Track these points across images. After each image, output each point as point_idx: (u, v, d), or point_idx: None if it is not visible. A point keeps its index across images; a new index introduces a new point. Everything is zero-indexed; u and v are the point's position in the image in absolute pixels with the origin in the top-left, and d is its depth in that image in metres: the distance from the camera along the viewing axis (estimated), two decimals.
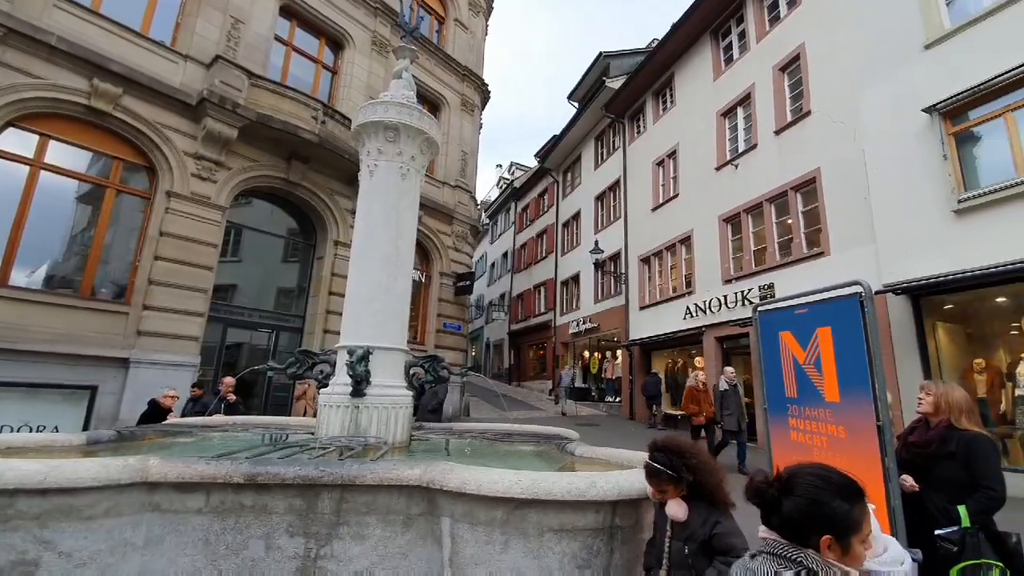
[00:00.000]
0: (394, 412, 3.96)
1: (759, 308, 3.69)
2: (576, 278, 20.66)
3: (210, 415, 5.90)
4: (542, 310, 23.95)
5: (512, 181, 31.24)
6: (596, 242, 17.04)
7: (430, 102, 14.75)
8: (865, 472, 2.61)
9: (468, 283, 14.15)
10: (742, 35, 13.01)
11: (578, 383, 19.43)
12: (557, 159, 23.49)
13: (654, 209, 15.59)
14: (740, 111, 12.71)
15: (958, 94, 7.63)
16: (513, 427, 5.94)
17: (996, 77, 7.20)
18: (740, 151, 12.37)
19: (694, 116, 14.18)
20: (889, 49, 8.85)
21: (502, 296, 29.52)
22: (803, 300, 3.22)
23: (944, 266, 7.44)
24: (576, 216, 21.57)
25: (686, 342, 13.76)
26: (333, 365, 4.29)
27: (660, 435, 2.21)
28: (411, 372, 4.46)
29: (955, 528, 2.49)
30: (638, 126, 17.51)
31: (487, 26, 17.47)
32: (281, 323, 11.13)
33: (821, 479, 1.17)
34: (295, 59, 11.73)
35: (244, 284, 10.94)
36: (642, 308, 15.57)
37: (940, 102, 7.83)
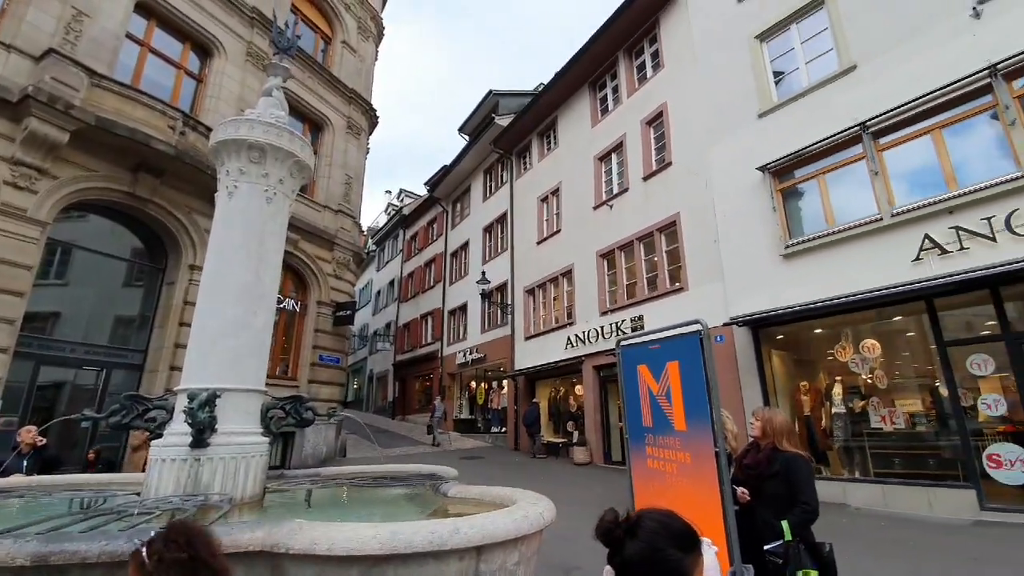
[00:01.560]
0: (244, 463, 3.51)
1: (621, 343, 3.92)
2: (464, 308, 20.69)
3: (6, 474, 4.78)
4: (429, 340, 23.54)
5: (401, 208, 30.79)
6: (483, 273, 17.28)
7: (313, 122, 14.11)
8: (706, 495, 2.85)
9: (349, 312, 13.45)
10: (616, 89, 14.36)
11: (464, 415, 19.23)
12: (447, 189, 23.67)
13: (539, 242, 16.27)
14: (614, 157, 13.91)
15: (783, 157, 9.09)
16: (387, 468, 5.65)
17: (810, 145, 8.71)
18: (614, 193, 13.47)
19: (575, 158, 15.22)
20: (732, 114, 10.32)
21: (388, 325, 28.55)
22: (656, 336, 3.49)
23: (775, 302, 8.66)
24: (465, 246, 21.77)
25: (568, 371, 14.33)
26: (171, 412, 3.73)
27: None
28: (269, 415, 4.02)
29: (780, 542, 2.79)
30: (525, 163, 18.34)
31: (377, 51, 17.32)
32: (115, 359, 9.50)
33: (663, 526, 1.20)
34: (153, 63, 10.51)
35: (70, 312, 9.23)
36: (527, 338, 15.98)
37: (770, 163, 9.25)
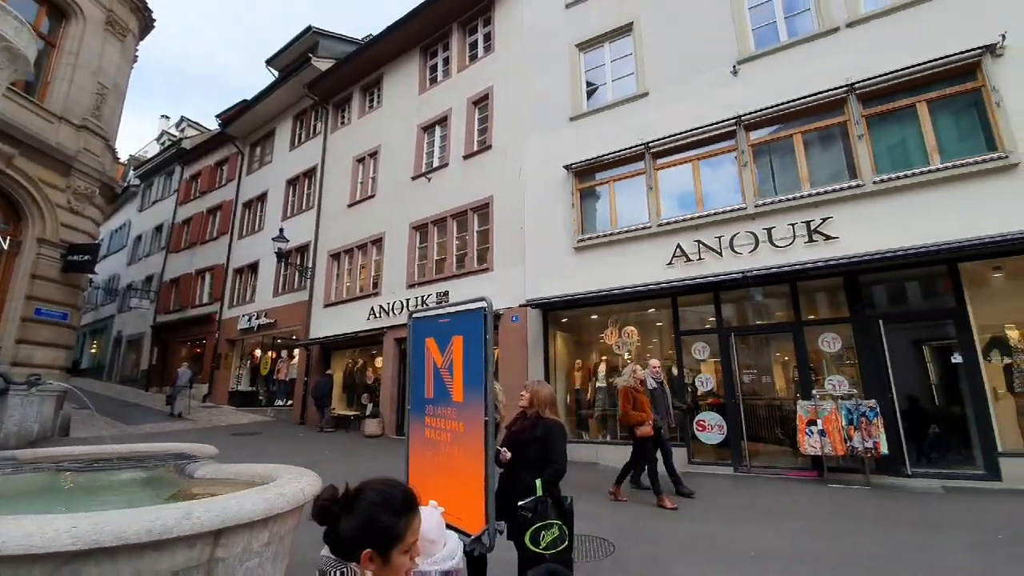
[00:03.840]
0: None
1: (414, 315, 3.81)
2: (254, 267, 18.31)
3: None
4: (205, 300, 20.24)
5: (181, 140, 25.61)
6: (282, 230, 15.46)
7: (54, 6, 10.63)
8: (474, 460, 2.94)
9: (88, 258, 10.61)
10: (447, 61, 14.10)
11: (244, 386, 17.16)
12: (245, 128, 20.46)
13: (351, 205, 15.23)
14: (438, 129, 13.70)
15: (585, 160, 10.05)
16: (123, 448, 4.72)
17: (607, 154, 9.80)
18: (434, 166, 13.30)
19: (398, 122, 14.55)
20: (549, 111, 11.01)
21: (149, 279, 23.69)
22: (446, 311, 3.47)
23: (564, 288, 9.61)
24: (262, 197, 19.20)
25: (368, 342, 13.81)
26: None
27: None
28: None
29: (532, 498, 3.05)
30: (343, 116, 16.89)
31: None
32: None
33: (382, 496, 1.20)
34: None
35: None
36: (327, 306, 14.90)
37: (574, 163, 10.15)
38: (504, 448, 3.37)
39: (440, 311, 3.64)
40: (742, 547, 4.53)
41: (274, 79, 18.65)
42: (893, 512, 5.39)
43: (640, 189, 9.51)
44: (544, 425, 3.24)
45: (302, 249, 16.43)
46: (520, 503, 3.04)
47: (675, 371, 8.69)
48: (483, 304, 3.09)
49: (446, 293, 11.83)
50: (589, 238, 9.79)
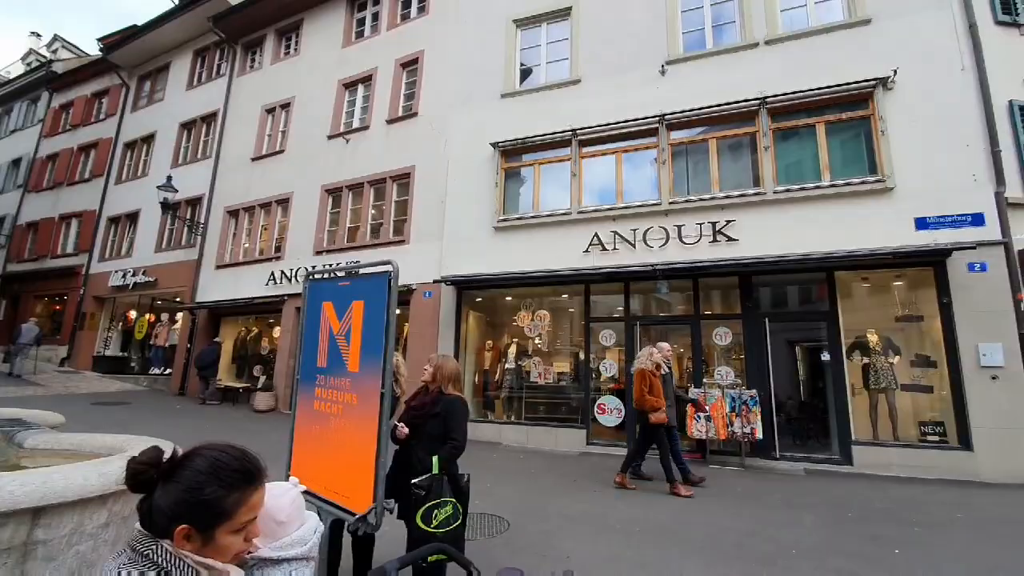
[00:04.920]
0: None
1: (311, 275, 3.45)
2: (134, 217, 16.17)
3: None
4: (70, 250, 17.58)
5: (51, 62, 21.84)
6: (170, 178, 13.73)
7: None
8: (366, 434, 2.70)
9: None
10: (376, 16, 13.18)
11: (113, 351, 15.23)
12: (133, 57, 17.86)
13: (256, 159, 13.87)
14: (361, 89, 12.82)
15: (512, 140, 9.88)
16: None
17: (535, 136, 9.69)
18: (354, 127, 12.45)
19: (317, 75, 13.41)
20: (480, 85, 10.67)
21: (0, 220, 20.16)
22: (347, 273, 3.17)
23: (481, 268, 9.45)
24: (149, 139, 16.98)
25: (266, 310, 12.76)
26: None
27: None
28: None
29: (427, 476, 2.89)
30: (254, 60, 15.27)
31: None
32: None
33: (213, 463, 1.01)
34: None
35: None
36: (220, 267, 13.53)
37: (501, 141, 9.95)
38: (401, 424, 3.17)
39: (341, 273, 3.33)
40: (628, 523, 4.71)
41: (173, 6, 16.38)
42: (762, 491, 5.91)
43: (564, 175, 9.54)
44: (446, 401, 3.08)
45: (194, 202, 14.76)
46: (414, 481, 2.87)
47: (582, 356, 8.91)
48: (389, 268, 2.84)
49: (357, 262, 11.15)
50: (510, 219, 9.69)
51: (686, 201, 8.42)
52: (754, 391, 7.18)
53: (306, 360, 3.28)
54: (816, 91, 7.84)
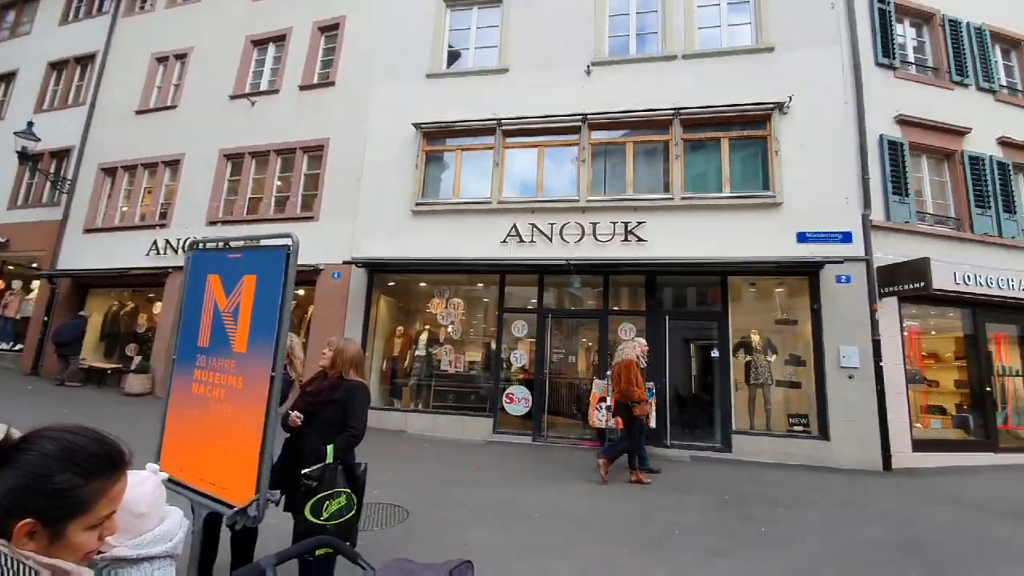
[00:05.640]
0: None
1: (195, 245, 3.08)
2: None
3: None
4: None
5: None
6: (31, 124, 11.76)
7: None
8: (251, 420, 2.46)
9: None
10: None
11: None
12: None
13: (141, 112, 12.29)
14: (272, 48, 11.78)
15: (436, 123, 9.60)
16: None
17: (459, 121, 9.50)
18: (262, 89, 11.43)
19: (222, 27, 12.10)
20: (405, 62, 10.22)
21: None
22: (239, 245, 2.87)
23: (396, 251, 9.13)
24: (8, 77, 14.43)
25: (147, 283, 11.38)
26: None
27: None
28: None
29: (320, 465, 2.69)
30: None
31: None
32: None
33: (58, 444, 0.84)
34: None
35: None
36: (90, 231, 11.86)
37: (424, 123, 9.63)
38: (295, 413, 2.93)
39: (235, 244, 3.01)
40: (530, 509, 4.80)
41: None
42: (652, 477, 6.29)
43: (487, 164, 9.46)
44: (346, 387, 2.89)
45: (61, 154, 12.79)
46: (304, 471, 2.66)
47: (494, 346, 8.94)
48: (288, 242, 2.61)
49: (255, 237, 10.29)
50: (429, 203, 9.44)
51: (602, 200, 8.70)
52: (651, 384, 7.62)
53: (185, 339, 2.94)
54: (724, 108, 8.44)
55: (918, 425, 7.73)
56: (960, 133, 8.61)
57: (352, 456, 2.90)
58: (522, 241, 8.76)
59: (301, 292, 10.06)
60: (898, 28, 8.92)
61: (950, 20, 9.10)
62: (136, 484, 1.08)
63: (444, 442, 7.91)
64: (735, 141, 8.59)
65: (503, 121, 9.29)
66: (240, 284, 2.70)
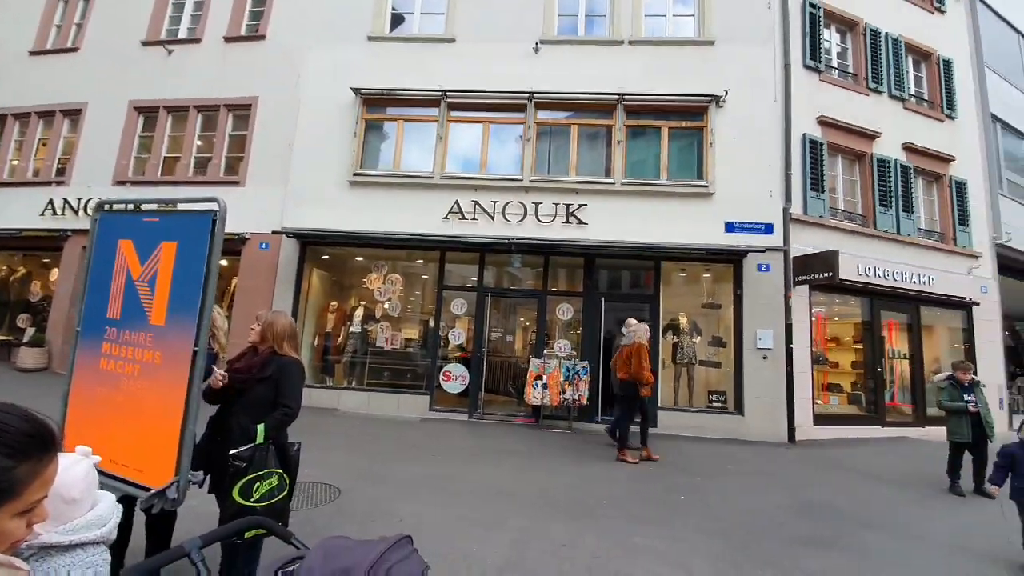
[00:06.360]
0: None
1: (104, 205, 2.78)
2: None
3: None
4: None
5: None
6: None
7: None
8: (170, 399, 2.29)
9: None
10: None
11: None
12: None
13: (36, 53, 10.84)
14: None
15: (378, 89, 9.16)
16: None
17: (403, 90, 9.12)
18: (180, 37, 10.38)
19: None
20: (345, 21, 9.60)
21: None
22: (156, 207, 2.61)
23: (332, 223, 8.71)
24: None
25: (40, 246, 10.19)
26: None
27: None
28: None
29: (250, 446, 2.56)
30: None
31: None
32: None
33: None
34: None
35: None
36: None
37: (365, 88, 9.16)
38: (220, 373, 2.67)
39: (146, 207, 2.74)
40: (463, 484, 4.86)
41: None
42: (584, 451, 6.57)
43: (430, 137, 9.19)
44: (279, 363, 2.73)
45: None
46: (233, 452, 2.52)
47: (432, 323, 8.85)
48: (214, 207, 2.42)
49: (172, 201, 9.47)
50: (369, 174, 9.07)
51: (546, 181, 8.74)
52: (586, 362, 7.88)
53: (91, 309, 2.66)
54: (665, 97, 8.68)
55: (819, 401, 8.55)
56: (871, 137, 9.41)
57: (285, 435, 2.77)
58: (464, 218, 8.65)
59: (224, 262, 9.38)
60: (825, 33, 9.53)
61: (871, 29, 9.84)
62: (67, 468, 0.99)
63: (378, 420, 7.80)
64: (674, 130, 8.88)
65: (448, 93, 9.04)
66: (158, 251, 2.47)
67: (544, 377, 7.77)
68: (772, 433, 7.74)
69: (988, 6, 11.87)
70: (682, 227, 8.23)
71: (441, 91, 9.03)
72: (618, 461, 6.11)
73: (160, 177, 9.74)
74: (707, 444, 7.35)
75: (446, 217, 8.67)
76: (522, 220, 8.56)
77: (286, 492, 2.69)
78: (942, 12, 10.88)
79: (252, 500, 2.50)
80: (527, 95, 8.88)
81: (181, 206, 2.60)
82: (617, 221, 8.38)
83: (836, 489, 5.56)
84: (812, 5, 9.25)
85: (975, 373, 6.02)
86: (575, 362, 7.90)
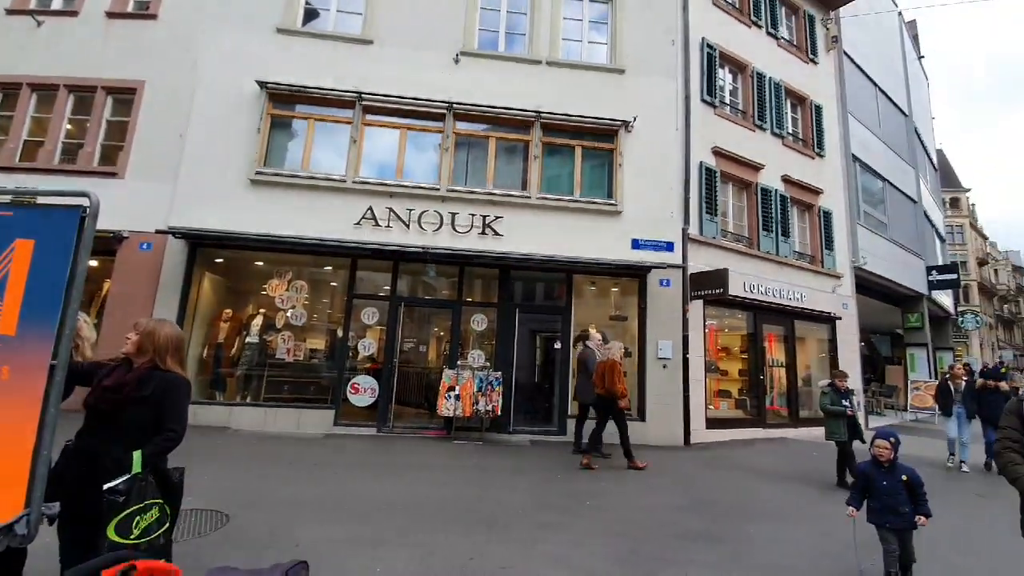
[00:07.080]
0: None
1: None
2: None
3: None
4: None
5: None
6: None
7: None
8: (16, 418, 1.97)
9: None
10: None
11: None
12: None
13: None
14: None
15: (286, 84, 8.65)
16: None
17: (314, 88, 8.68)
18: (52, 7, 9.12)
19: None
20: (250, 9, 9.00)
21: None
22: (8, 199, 2.25)
23: (229, 224, 8.02)
24: None
25: None
26: None
27: None
28: None
29: (127, 477, 2.25)
30: None
31: None
32: None
33: None
34: None
35: None
36: None
37: (271, 83, 8.61)
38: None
39: (1, 197, 2.36)
40: (368, 503, 4.66)
41: None
42: (494, 462, 6.58)
43: (343, 139, 8.85)
44: (161, 379, 2.41)
45: None
46: (108, 485, 2.18)
47: (340, 333, 8.44)
48: (84, 201, 2.13)
49: (33, 190, 8.22)
50: (273, 174, 8.50)
51: (463, 192, 8.75)
52: (499, 373, 7.95)
53: None
54: (579, 118, 9.10)
55: (711, 407, 9.32)
56: (756, 168, 10.57)
57: (165, 460, 2.47)
58: (378, 225, 8.40)
59: (95, 263, 8.29)
60: (720, 72, 10.58)
61: (758, 73, 11.12)
62: None
63: (277, 438, 7.26)
64: (587, 150, 9.33)
65: (365, 95, 8.76)
66: (10, 250, 2.12)
67: (457, 388, 7.70)
68: (670, 437, 8.29)
69: (852, 60, 13.88)
70: (593, 242, 8.64)
71: (357, 93, 8.74)
72: (582, 467, 6.40)
73: (18, 163, 8.41)
74: (611, 449, 7.66)
75: (359, 223, 8.36)
76: (438, 230, 8.49)
77: (169, 525, 2.41)
78: (815, 63, 12.55)
79: (132, 537, 2.20)
80: (446, 105, 8.87)
81: (42, 199, 2.25)
82: (532, 234, 8.59)
83: (724, 486, 6.08)
84: (710, 46, 10.24)
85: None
86: (488, 373, 7.93)
